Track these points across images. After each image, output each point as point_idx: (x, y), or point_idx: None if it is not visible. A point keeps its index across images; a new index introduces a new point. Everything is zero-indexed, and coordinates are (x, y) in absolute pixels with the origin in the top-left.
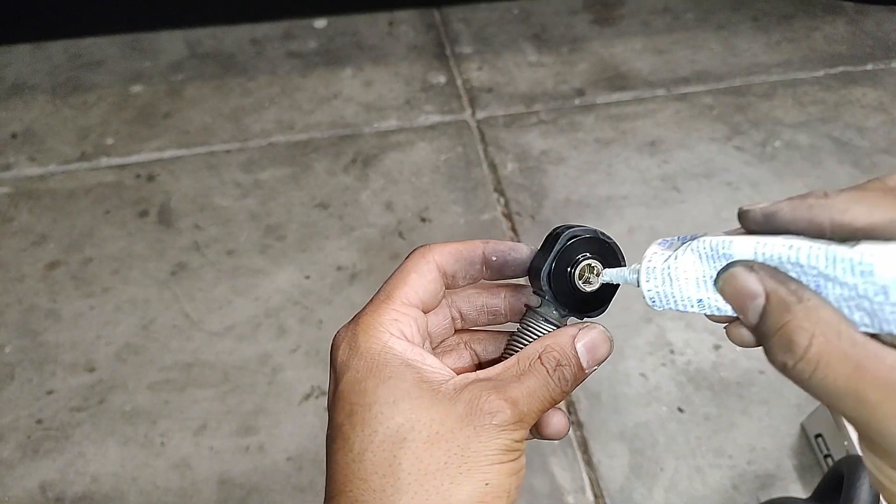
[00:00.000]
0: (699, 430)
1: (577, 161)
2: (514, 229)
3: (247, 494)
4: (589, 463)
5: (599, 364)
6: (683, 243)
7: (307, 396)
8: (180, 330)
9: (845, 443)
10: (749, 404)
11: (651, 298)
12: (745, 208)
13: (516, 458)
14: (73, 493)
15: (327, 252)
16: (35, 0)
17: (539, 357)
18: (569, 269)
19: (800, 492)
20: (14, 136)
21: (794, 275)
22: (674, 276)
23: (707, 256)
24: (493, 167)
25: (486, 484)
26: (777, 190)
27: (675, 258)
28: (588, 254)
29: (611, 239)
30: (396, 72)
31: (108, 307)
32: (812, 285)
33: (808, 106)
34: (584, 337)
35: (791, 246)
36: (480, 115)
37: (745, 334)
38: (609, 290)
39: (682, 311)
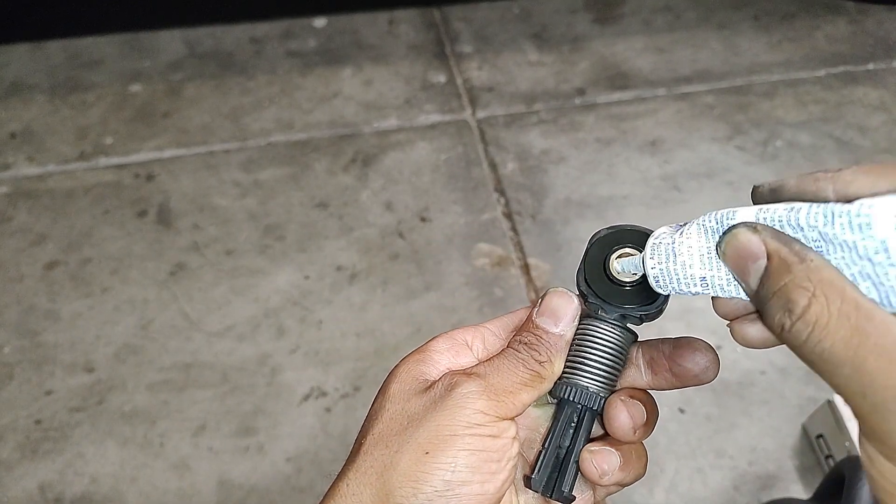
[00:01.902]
0: (700, 431)
1: (577, 161)
2: (514, 229)
3: (246, 495)
4: None
5: (573, 318)
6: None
7: (306, 397)
8: (179, 330)
9: (846, 443)
10: (750, 405)
11: (655, 278)
12: (756, 185)
13: (490, 435)
14: (72, 493)
15: (327, 252)
16: None
17: (509, 342)
18: (604, 262)
19: (801, 493)
20: (13, 135)
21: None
22: (678, 252)
23: (712, 230)
24: (493, 167)
25: (426, 453)
26: None
27: (681, 234)
28: (622, 244)
29: (641, 227)
30: (396, 71)
31: (106, 307)
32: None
33: (810, 105)
34: (540, 306)
35: (791, 208)
36: (481, 114)
37: (750, 332)
38: (640, 296)
39: (685, 293)
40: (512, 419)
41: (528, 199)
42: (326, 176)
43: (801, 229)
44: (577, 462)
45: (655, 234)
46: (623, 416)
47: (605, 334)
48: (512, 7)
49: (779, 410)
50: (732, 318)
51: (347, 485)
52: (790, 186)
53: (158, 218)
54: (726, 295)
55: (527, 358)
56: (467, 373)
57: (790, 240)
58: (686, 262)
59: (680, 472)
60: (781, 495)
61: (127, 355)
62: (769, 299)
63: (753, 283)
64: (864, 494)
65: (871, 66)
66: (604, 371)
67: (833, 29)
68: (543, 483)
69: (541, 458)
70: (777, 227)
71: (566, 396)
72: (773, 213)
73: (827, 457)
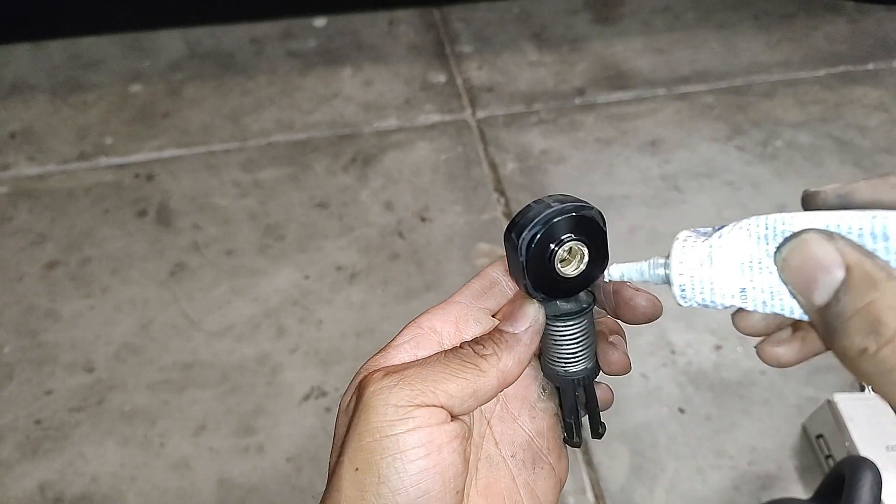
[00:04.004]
0: (700, 431)
1: (577, 161)
2: None
3: (246, 495)
4: (589, 464)
5: (530, 320)
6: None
7: (307, 397)
8: (179, 330)
9: (846, 443)
10: (750, 405)
11: (682, 286)
12: (812, 190)
13: (409, 430)
14: (72, 493)
15: (327, 252)
16: None
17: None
18: (550, 252)
19: (801, 492)
20: (13, 135)
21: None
22: (715, 258)
23: (761, 236)
24: (493, 167)
25: (356, 469)
26: (779, 190)
27: (720, 236)
28: (570, 234)
29: (592, 208)
30: (396, 71)
31: (107, 307)
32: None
33: (809, 105)
34: (502, 310)
35: (875, 216)
36: (480, 114)
37: (783, 353)
38: (588, 277)
39: (714, 306)
40: (439, 407)
41: (528, 198)
42: (326, 176)
43: (886, 239)
44: (597, 408)
45: (680, 236)
46: (617, 354)
47: (573, 327)
48: (512, 7)
49: (779, 410)
50: (754, 335)
51: None
52: (862, 193)
53: (158, 218)
54: (766, 310)
55: (466, 351)
56: (374, 370)
57: (871, 254)
58: (724, 270)
59: (680, 472)
60: (781, 495)
61: (127, 355)
62: (847, 317)
63: (820, 297)
64: (864, 495)
65: (870, 66)
66: (586, 352)
67: (833, 29)
68: (581, 437)
69: (572, 426)
70: (855, 238)
71: (562, 385)
72: (851, 222)
73: (827, 457)
